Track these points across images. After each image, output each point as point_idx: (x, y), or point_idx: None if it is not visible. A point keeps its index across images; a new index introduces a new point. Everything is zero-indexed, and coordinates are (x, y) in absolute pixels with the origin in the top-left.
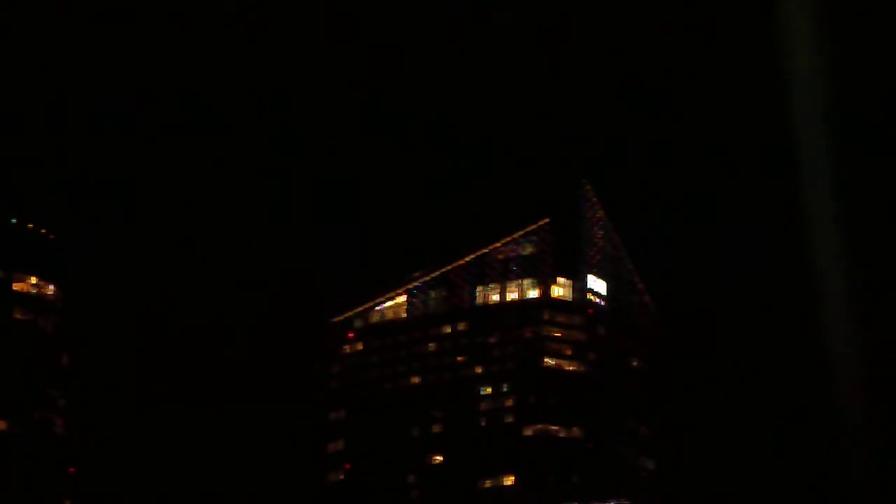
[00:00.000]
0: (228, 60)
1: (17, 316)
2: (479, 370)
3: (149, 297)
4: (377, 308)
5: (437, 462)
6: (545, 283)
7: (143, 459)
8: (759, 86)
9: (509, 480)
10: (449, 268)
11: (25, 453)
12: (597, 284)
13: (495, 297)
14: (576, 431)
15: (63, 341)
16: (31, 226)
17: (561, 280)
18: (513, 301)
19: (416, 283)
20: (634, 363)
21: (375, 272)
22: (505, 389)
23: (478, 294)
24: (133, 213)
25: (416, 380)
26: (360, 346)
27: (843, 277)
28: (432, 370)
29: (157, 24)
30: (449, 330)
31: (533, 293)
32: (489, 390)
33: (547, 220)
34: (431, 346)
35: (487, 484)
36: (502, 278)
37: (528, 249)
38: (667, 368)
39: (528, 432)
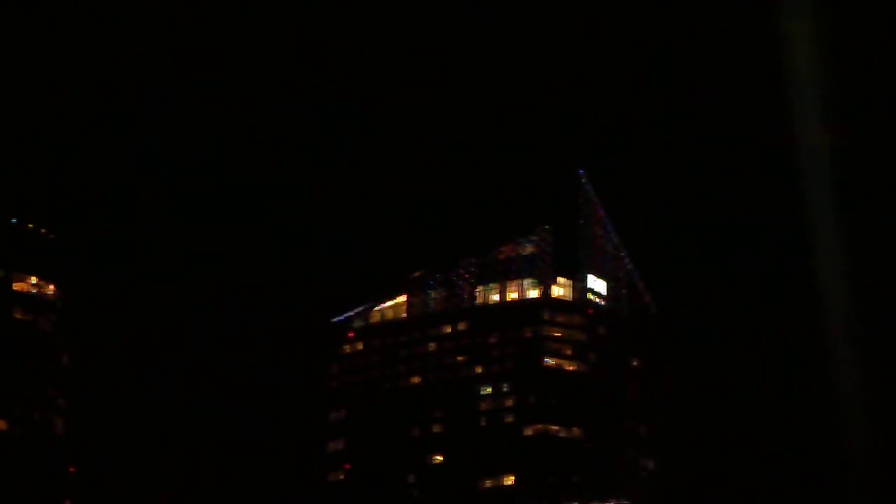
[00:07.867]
0: (228, 59)
1: (17, 316)
2: (479, 370)
3: (149, 297)
4: (377, 308)
5: (437, 462)
6: (545, 283)
7: (143, 459)
8: (759, 85)
9: (509, 480)
10: (449, 268)
11: (25, 453)
12: (597, 284)
13: (495, 297)
14: (576, 431)
15: (63, 341)
16: (31, 226)
17: (561, 280)
18: (513, 301)
19: (416, 283)
20: (634, 363)
21: (375, 272)
22: (505, 389)
23: (478, 294)
24: (133, 213)
25: (416, 380)
26: (360, 346)
27: (844, 277)
28: (432, 370)
29: (157, 23)
30: (449, 330)
31: (533, 293)
32: (489, 390)
33: (547, 220)
34: (431, 346)
35: (487, 484)
36: (502, 278)
37: (528, 249)
38: (667, 368)
39: (528, 432)
